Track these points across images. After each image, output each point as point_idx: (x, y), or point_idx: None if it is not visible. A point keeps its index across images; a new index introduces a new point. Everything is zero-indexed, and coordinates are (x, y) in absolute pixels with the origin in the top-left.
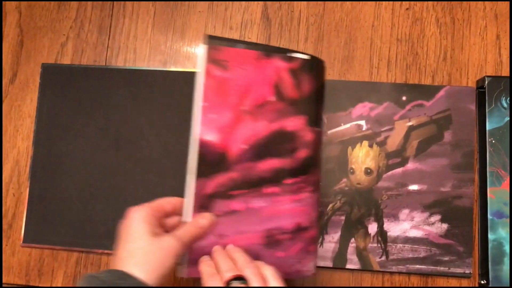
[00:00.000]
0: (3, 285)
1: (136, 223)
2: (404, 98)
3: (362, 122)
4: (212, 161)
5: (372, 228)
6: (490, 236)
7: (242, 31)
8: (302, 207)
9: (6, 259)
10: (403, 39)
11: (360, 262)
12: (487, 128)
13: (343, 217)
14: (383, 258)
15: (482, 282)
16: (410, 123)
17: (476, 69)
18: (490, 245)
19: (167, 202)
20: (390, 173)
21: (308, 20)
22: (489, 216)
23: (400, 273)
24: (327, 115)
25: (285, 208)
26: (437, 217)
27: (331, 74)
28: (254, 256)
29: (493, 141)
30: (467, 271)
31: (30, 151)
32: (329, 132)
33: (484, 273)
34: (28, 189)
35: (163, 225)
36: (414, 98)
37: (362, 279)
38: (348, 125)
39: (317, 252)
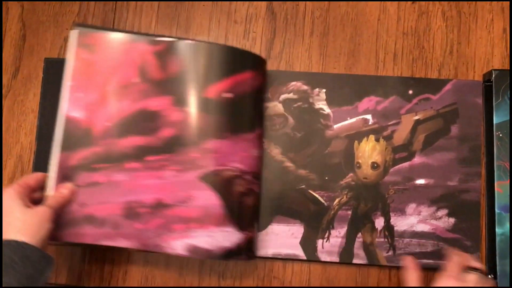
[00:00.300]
0: None
1: (9, 200)
2: (410, 92)
3: (369, 116)
4: (77, 136)
5: (379, 222)
6: (498, 230)
7: (247, 25)
8: (164, 184)
9: None
10: (409, 32)
11: (367, 257)
12: (494, 121)
13: (349, 212)
14: (390, 253)
15: (490, 276)
16: (416, 117)
17: (483, 63)
18: (497, 239)
19: (31, 178)
20: (396, 167)
21: (314, 14)
22: (496, 210)
23: None
24: (334, 109)
25: (145, 184)
26: (444, 212)
27: (337, 68)
28: (114, 225)
29: (501, 135)
30: None
31: (33, 146)
32: (335, 126)
33: (491, 268)
34: None
35: (31, 200)
36: (421, 92)
37: (369, 274)
38: (354, 119)
39: (188, 233)
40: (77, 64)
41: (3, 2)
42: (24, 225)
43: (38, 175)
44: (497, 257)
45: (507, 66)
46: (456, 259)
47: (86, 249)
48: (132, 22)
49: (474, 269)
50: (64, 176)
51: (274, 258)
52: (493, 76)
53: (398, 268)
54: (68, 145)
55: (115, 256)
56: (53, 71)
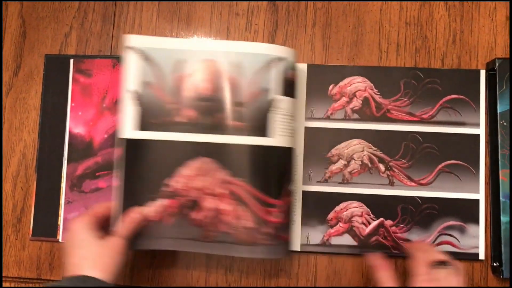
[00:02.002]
0: (15, 278)
1: (82, 232)
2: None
3: None
4: (80, 148)
5: None
6: (503, 218)
7: (249, 17)
8: None
9: (16, 253)
10: (411, 22)
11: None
12: (498, 110)
13: None
14: None
15: (495, 264)
16: None
17: (486, 51)
18: (502, 227)
19: (100, 207)
20: None
21: (316, 5)
22: (501, 199)
23: None
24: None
25: None
26: None
27: (340, 59)
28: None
29: (505, 123)
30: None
31: (37, 144)
32: None
33: (497, 256)
34: (35, 182)
35: (103, 228)
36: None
37: None
38: None
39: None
40: (75, 87)
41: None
42: (98, 259)
43: (107, 204)
44: (502, 245)
45: (509, 55)
46: (421, 257)
47: None
48: (133, 17)
49: (441, 262)
50: (73, 184)
51: None
52: (497, 64)
53: (404, 258)
54: (74, 157)
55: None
56: (54, 67)
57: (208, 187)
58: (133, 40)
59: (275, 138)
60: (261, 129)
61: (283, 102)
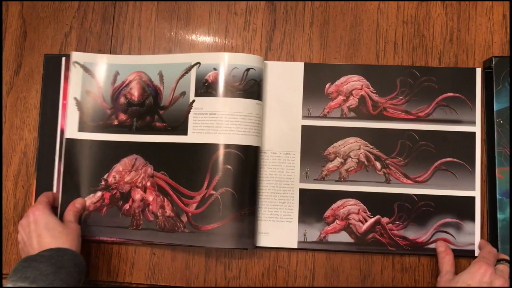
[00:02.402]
0: None
1: (46, 216)
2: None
3: None
4: None
5: None
6: (499, 216)
7: (247, 17)
8: None
9: (18, 251)
10: (409, 21)
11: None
12: (495, 108)
13: None
14: None
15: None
16: None
17: (483, 50)
18: (499, 224)
19: (47, 196)
20: None
21: (313, 4)
22: (498, 196)
23: (410, 254)
24: None
25: None
26: None
27: (338, 58)
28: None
29: (501, 121)
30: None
31: (37, 143)
32: None
33: None
34: (35, 181)
35: None
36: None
37: (372, 261)
38: None
39: None
40: (67, 85)
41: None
42: (68, 238)
43: (52, 193)
44: (498, 242)
45: (507, 53)
46: (490, 248)
47: (93, 244)
48: (132, 16)
49: (505, 260)
50: None
51: (279, 248)
52: (493, 63)
53: (401, 254)
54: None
55: (122, 250)
56: (53, 67)
57: (137, 180)
58: (77, 56)
59: (191, 136)
60: (180, 128)
61: (201, 102)
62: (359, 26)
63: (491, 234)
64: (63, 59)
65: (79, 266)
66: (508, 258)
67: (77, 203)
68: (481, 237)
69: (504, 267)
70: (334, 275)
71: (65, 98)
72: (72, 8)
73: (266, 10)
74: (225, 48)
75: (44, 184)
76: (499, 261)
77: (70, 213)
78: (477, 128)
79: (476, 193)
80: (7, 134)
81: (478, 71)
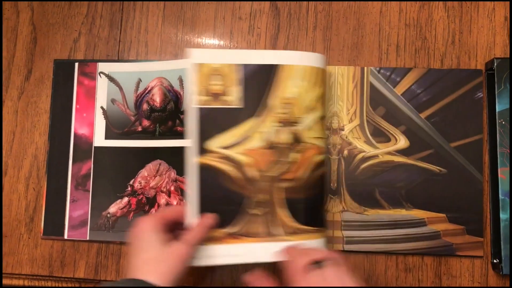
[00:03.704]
0: (28, 276)
1: (146, 233)
2: None
3: None
4: (85, 149)
5: None
6: (502, 215)
7: (251, 21)
8: None
9: (29, 252)
10: (411, 24)
11: None
12: (497, 109)
13: None
14: None
15: (495, 261)
16: None
17: (485, 52)
18: (502, 224)
19: (170, 211)
20: None
21: (316, 8)
22: (500, 196)
23: (413, 254)
24: None
25: None
26: None
27: (341, 61)
28: None
29: (503, 122)
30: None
31: (47, 146)
32: None
33: (496, 252)
34: (46, 183)
35: (171, 232)
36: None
37: (376, 261)
38: None
39: None
40: (80, 90)
41: (15, 6)
42: (158, 265)
43: (177, 208)
44: (501, 242)
45: (508, 54)
46: (293, 263)
47: (102, 244)
48: (139, 22)
49: (316, 262)
50: (78, 183)
51: None
52: (495, 64)
53: (404, 254)
54: (79, 156)
55: (125, 270)
56: (63, 72)
57: (162, 185)
58: (102, 66)
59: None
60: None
61: None
62: (362, 29)
63: (493, 234)
64: (76, 64)
65: None
66: (321, 255)
67: (210, 218)
68: (484, 237)
69: (318, 273)
70: None
71: (78, 102)
72: (80, 14)
73: (270, 14)
74: None
75: (54, 186)
76: (315, 263)
77: (192, 232)
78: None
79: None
80: (18, 138)
81: (481, 73)
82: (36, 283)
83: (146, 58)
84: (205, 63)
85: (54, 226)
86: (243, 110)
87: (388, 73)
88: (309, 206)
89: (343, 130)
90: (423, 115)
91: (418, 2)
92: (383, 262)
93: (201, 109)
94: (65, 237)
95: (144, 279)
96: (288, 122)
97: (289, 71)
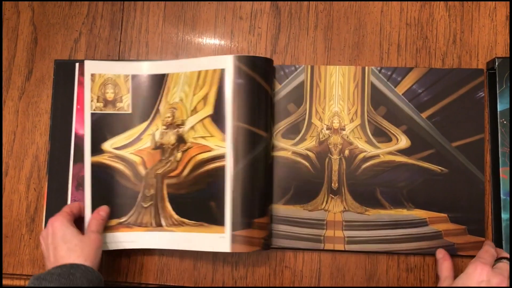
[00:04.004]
0: (29, 276)
1: (64, 228)
2: None
3: None
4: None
5: None
6: (504, 215)
7: (252, 21)
8: None
9: (30, 252)
10: (412, 23)
11: None
12: (498, 109)
13: None
14: None
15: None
16: None
17: (486, 51)
18: (503, 224)
19: (74, 207)
20: None
21: (317, 7)
22: (502, 196)
23: (415, 254)
24: None
25: None
26: None
27: (342, 60)
28: None
29: (505, 122)
30: None
31: (48, 146)
32: None
33: None
34: (47, 183)
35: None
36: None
37: (378, 261)
38: None
39: None
40: (80, 90)
41: (15, 6)
42: (84, 251)
43: (79, 203)
44: (503, 242)
45: (510, 54)
46: (488, 248)
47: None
48: (140, 22)
49: (505, 258)
50: (78, 184)
51: (285, 248)
52: (496, 64)
53: (406, 254)
54: (79, 157)
55: (131, 251)
56: (63, 72)
57: None
58: (88, 65)
59: None
60: None
61: None
62: (362, 28)
63: (495, 233)
64: (77, 64)
65: (93, 282)
66: (508, 255)
67: (102, 211)
68: (486, 237)
69: (503, 265)
70: (339, 275)
71: (79, 103)
72: (81, 14)
73: (271, 14)
74: (231, 52)
75: (55, 187)
76: (499, 259)
77: (93, 222)
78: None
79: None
80: (19, 138)
81: (483, 72)
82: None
83: (147, 58)
84: (99, 74)
85: None
86: (133, 115)
87: (389, 73)
88: (191, 202)
89: (344, 130)
90: (424, 114)
91: (419, 1)
92: (384, 262)
93: (94, 114)
94: None
95: (75, 263)
96: (172, 125)
97: (175, 78)
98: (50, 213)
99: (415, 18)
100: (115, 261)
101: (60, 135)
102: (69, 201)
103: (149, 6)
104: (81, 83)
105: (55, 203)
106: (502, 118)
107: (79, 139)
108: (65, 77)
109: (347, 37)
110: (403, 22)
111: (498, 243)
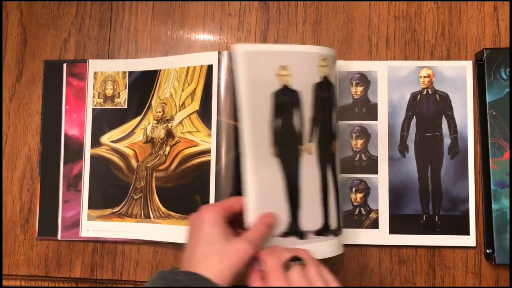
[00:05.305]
0: (25, 276)
1: (210, 225)
2: None
3: None
4: (76, 149)
5: None
6: (494, 206)
7: (241, 17)
8: None
9: (25, 253)
10: (400, 16)
11: None
12: (487, 100)
13: None
14: None
15: (488, 251)
16: None
17: (475, 42)
18: (494, 214)
19: (236, 202)
20: None
21: (306, 2)
22: (492, 187)
23: (407, 246)
24: None
25: None
26: None
27: None
28: None
29: (494, 113)
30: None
31: (39, 147)
32: None
33: (489, 242)
34: (39, 184)
35: (232, 224)
36: None
37: (370, 254)
38: None
39: None
40: (69, 91)
41: (3, 7)
42: (220, 262)
43: (241, 199)
44: (494, 232)
45: (498, 45)
46: (270, 262)
47: (97, 243)
48: (128, 21)
49: (295, 259)
50: (69, 184)
51: None
52: (485, 55)
53: (398, 247)
54: (69, 158)
55: (126, 249)
56: (53, 73)
57: None
58: (92, 64)
59: None
60: None
61: None
62: (351, 22)
63: (486, 224)
64: (65, 65)
65: None
66: (303, 254)
67: (269, 217)
68: (477, 228)
69: (296, 270)
70: (332, 268)
71: (68, 103)
72: (70, 14)
73: (260, 10)
74: (221, 48)
75: (48, 187)
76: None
77: (254, 229)
78: (469, 120)
79: (470, 184)
80: (11, 140)
81: (469, 64)
82: (33, 284)
83: (136, 56)
84: (101, 71)
85: (48, 227)
86: (128, 110)
87: None
88: (177, 195)
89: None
90: None
91: None
92: (377, 254)
93: (95, 109)
94: (59, 237)
95: (203, 275)
96: (162, 120)
97: (166, 74)
98: (43, 214)
99: (403, 11)
100: (109, 259)
101: (51, 136)
102: (60, 202)
103: (137, 4)
104: (69, 84)
105: (48, 203)
106: (491, 109)
107: (69, 140)
108: (54, 78)
109: (336, 32)
110: (392, 15)
111: (489, 234)
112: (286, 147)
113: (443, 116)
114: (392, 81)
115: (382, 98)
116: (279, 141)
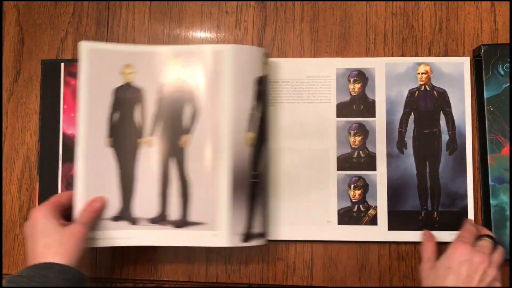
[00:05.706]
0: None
1: (43, 220)
2: None
3: None
4: (73, 148)
5: None
6: (492, 201)
7: (238, 15)
8: None
9: (25, 252)
10: (398, 12)
11: None
12: (485, 96)
13: None
14: None
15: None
16: None
17: (472, 38)
18: (492, 210)
19: (61, 196)
20: None
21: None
22: (490, 182)
23: (406, 242)
24: None
25: None
26: None
27: (329, 52)
28: None
29: (492, 109)
30: None
31: (38, 146)
32: None
33: None
34: (38, 184)
35: (64, 216)
36: None
37: (369, 250)
38: None
39: None
40: (67, 90)
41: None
42: (62, 247)
43: (68, 193)
44: (492, 228)
45: (496, 40)
46: (469, 227)
47: None
48: (125, 19)
49: (487, 236)
50: (68, 183)
51: (277, 240)
52: (482, 51)
53: (397, 243)
54: (68, 157)
55: (125, 247)
56: (50, 72)
57: None
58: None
59: None
60: None
61: None
62: (348, 19)
63: (485, 220)
64: (62, 64)
65: (71, 281)
66: (490, 233)
67: (97, 201)
68: (475, 223)
69: (484, 243)
70: (332, 265)
71: (66, 102)
72: (67, 13)
73: (257, 7)
74: None
75: (47, 186)
76: (481, 237)
77: (82, 214)
78: (467, 116)
79: (468, 179)
80: (9, 139)
81: (467, 60)
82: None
83: None
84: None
85: None
86: None
87: None
88: None
89: None
90: None
91: None
92: (376, 251)
93: None
94: None
95: (49, 261)
96: None
97: None
98: None
99: (400, 7)
100: (109, 258)
101: (49, 135)
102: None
103: (134, 3)
104: (67, 83)
105: None
106: (489, 105)
107: (67, 139)
108: (52, 77)
109: (333, 29)
110: (389, 11)
111: (487, 229)
112: (122, 138)
113: (441, 112)
114: (390, 77)
115: (380, 95)
116: (115, 133)
